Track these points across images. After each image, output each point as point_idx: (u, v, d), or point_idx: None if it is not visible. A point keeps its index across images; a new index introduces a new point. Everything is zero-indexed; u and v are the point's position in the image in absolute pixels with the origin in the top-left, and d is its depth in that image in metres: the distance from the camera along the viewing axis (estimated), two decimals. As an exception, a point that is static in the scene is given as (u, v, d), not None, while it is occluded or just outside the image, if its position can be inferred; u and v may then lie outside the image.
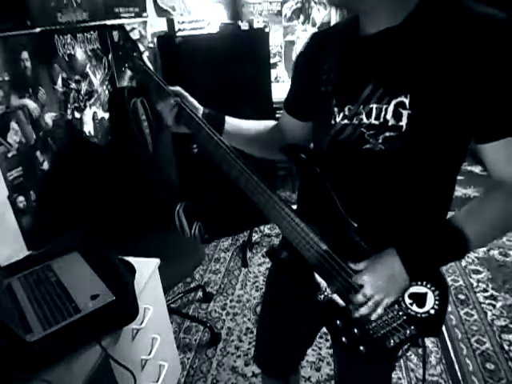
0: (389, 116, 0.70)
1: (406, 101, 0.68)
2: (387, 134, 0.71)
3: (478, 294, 2.12)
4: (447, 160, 0.73)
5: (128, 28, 2.11)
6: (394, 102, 0.69)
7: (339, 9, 0.79)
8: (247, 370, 1.75)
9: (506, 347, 1.78)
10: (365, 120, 0.73)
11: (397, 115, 0.69)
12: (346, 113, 0.76)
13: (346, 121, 0.76)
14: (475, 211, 0.73)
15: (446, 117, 0.66)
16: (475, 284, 2.20)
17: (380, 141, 0.71)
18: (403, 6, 0.67)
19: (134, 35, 2.18)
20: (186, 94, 0.91)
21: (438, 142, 0.69)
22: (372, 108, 0.72)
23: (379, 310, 0.76)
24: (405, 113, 0.68)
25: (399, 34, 0.68)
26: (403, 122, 0.69)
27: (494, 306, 2.03)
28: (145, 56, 0.95)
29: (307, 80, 0.86)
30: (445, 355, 1.76)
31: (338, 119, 0.77)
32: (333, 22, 3.35)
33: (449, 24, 0.64)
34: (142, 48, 0.91)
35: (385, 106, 0.70)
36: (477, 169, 3.47)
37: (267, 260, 2.48)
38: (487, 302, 2.06)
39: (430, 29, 0.66)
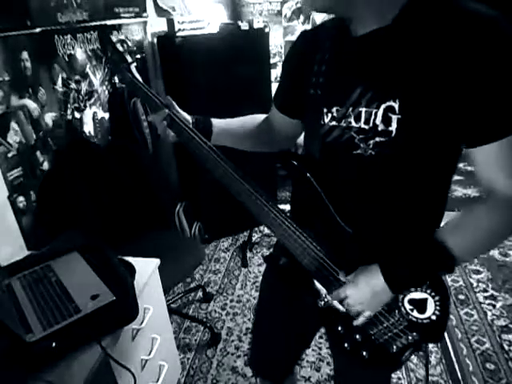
0: (378, 121, 0.68)
1: (396, 105, 0.65)
2: (377, 139, 0.69)
3: (478, 294, 2.12)
4: (439, 165, 0.71)
5: (128, 28, 2.11)
6: (383, 107, 0.67)
7: (325, 13, 0.78)
8: (247, 370, 1.75)
9: (506, 347, 1.78)
10: (353, 123, 0.72)
11: (386, 120, 0.67)
12: (335, 114, 0.75)
13: (334, 122, 0.75)
14: (460, 226, 0.71)
15: (436, 121, 0.64)
16: (475, 284, 2.20)
17: (371, 146, 0.70)
18: (391, 7, 0.65)
19: (134, 35, 2.18)
20: (174, 104, 0.90)
21: (428, 146, 0.67)
22: (361, 111, 0.70)
23: (360, 320, 0.78)
24: (394, 117, 0.66)
25: (387, 36, 0.66)
26: (393, 127, 0.67)
27: (494, 306, 2.03)
28: (133, 67, 0.94)
29: (297, 80, 0.85)
30: (445, 355, 1.76)
31: (326, 120, 0.76)
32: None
33: (437, 24, 0.62)
34: (129, 59, 0.90)
35: (374, 111, 0.68)
36: (477, 169, 3.47)
37: (267, 260, 2.47)
38: (487, 302, 2.06)
39: (418, 30, 0.64)
